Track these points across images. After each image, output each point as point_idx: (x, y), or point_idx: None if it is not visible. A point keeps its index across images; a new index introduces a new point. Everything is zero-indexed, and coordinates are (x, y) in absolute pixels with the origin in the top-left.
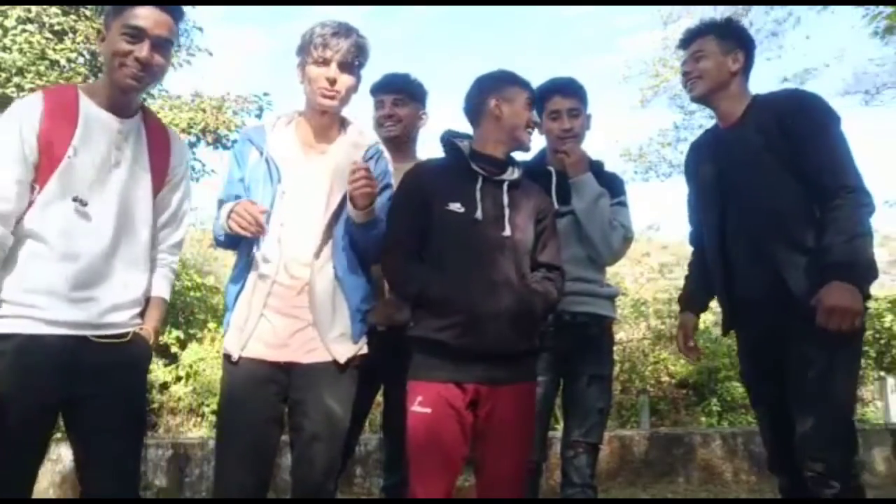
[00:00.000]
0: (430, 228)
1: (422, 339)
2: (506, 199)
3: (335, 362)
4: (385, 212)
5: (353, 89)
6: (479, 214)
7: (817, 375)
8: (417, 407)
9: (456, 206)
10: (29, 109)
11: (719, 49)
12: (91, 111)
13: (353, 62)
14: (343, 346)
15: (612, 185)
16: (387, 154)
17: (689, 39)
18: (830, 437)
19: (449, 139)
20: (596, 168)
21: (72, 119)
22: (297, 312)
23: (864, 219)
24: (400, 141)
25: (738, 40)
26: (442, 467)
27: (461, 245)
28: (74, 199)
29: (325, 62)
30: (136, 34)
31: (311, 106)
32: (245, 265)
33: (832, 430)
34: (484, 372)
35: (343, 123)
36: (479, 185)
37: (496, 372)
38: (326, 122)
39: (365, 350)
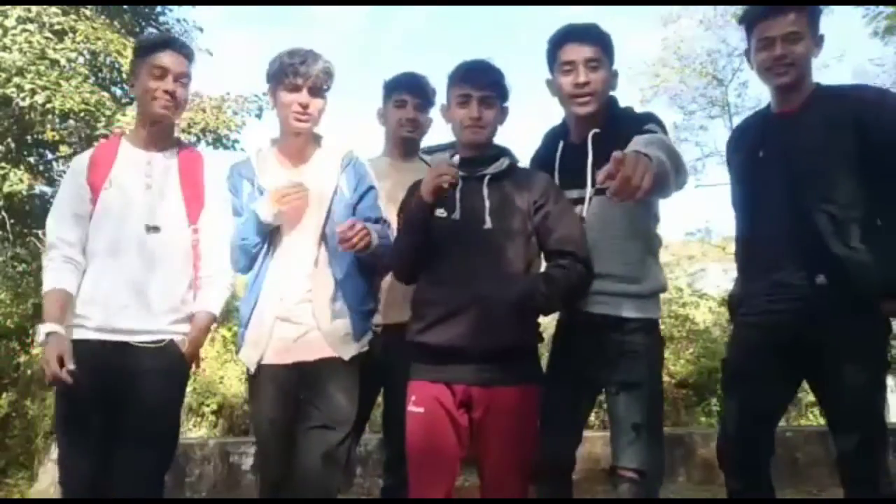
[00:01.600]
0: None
1: (412, 344)
2: (485, 193)
3: (339, 358)
4: (375, 210)
5: (322, 111)
6: (456, 215)
7: (860, 394)
8: (412, 407)
9: (439, 213)
10: (80, 163)
11: (811, 32)
12: (127, 150)
13: (322, 86)
14: (348, 346)
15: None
16: (362, 159)
17: (782, 13)
18: (876, 455)
19: (421, 157)
20: (625, 115)
21: (110, 160)
22: (300, 319)
23: None
24: (413, 142)
25: (818, 23)
26: (438, 467)
27: (443, 248)
28: (147, 228)
29: (297, 88)
30: (161, 73)
31: (285, 129)
32: (254, 285)
33: (877, 449)
34: (475, 373)
35: (317, 140)
36: (459, 188)
37: (489, 373)
38: (301, 142)
39: (366, 347)
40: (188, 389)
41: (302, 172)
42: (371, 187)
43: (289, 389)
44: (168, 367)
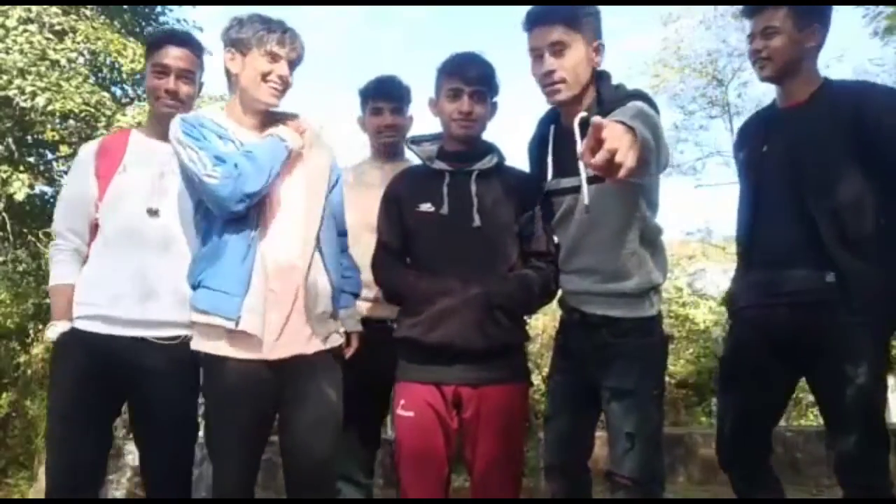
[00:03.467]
0: (408, 233)
1: (401, 340)
2: (474, 189)
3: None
4: (342, 216)
5: (291, 86)
6: (444, 210)
7: (859, 394)
8: (401, 410)
9: (426, 207)
10: (87, 152)
11: (794, 24)
12: (139, 140)
13: (298, 61)
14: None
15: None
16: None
17: (757, 9)
18: (875, 457)
19: (409, 146)
20: (608, 99)
21: (121, 149)
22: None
23: None
24: (395, 145)
25: (816, 13)
26: (429, 468)
27: (432, 243)
28: (149, 211)
29: (276, 58)
30: (163, 70)
31: (248, 100)
32: (247, 255)
33: (876, 449)
34: (464, 373)
35: (274, 116)
36: (445, 182)
37: (477, 372)
38: (264, 115)
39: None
40: None
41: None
42: (339, 174)
43: (266, 390)
44: (182, 365)
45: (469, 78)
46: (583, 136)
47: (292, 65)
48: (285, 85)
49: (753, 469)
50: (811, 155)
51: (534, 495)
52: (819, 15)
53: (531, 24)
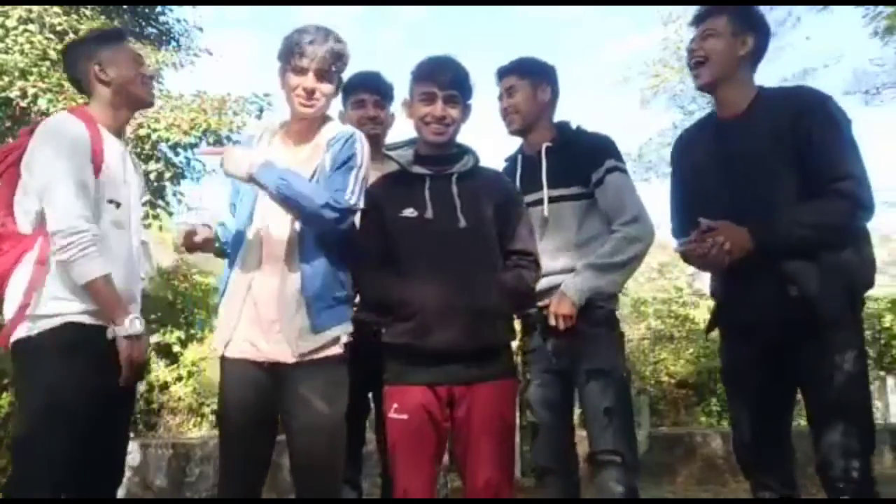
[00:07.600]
0: (392, 239)
1: (390, 345)
2: (455, 191)
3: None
4: (339, 184)
5: (331, 95)
6: (429, 214)
7: (839, 384)
8: (395, 414)
9: (409, 212)
10: (81, 134)
11: (730, 29)
12: (107, 136)
13: (330, 69)
14: (306, 342)
15: (595, 156)
16: (362, 140)
17: (702, 18)
18: (859, 446)
19: (386, 153)
20: (569, 138)
21: (100, 143)
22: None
23: (842, 213)
24: (378, 141)
25: (750, 23)
26: (422, 469)
27: (418, 248)
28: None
29: (303, 71)
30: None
31: (292, 113)
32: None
33: (860, 439)
34: (456, 372)
35: (325, 121)
36: (427, 186)
37: (469, 370)
38: (305, 126)
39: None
40: (188, 390)
41: (298, 153)
42: (350, 160)
43: (264, 394)
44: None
45: (442, 82)
46: (547, 160)
47: (322, 73)
48: (312, 96)
49: (772, 471)
50: (751, 169)
51: (534, 495)
52: (756, 24)
53: (498, 77)
